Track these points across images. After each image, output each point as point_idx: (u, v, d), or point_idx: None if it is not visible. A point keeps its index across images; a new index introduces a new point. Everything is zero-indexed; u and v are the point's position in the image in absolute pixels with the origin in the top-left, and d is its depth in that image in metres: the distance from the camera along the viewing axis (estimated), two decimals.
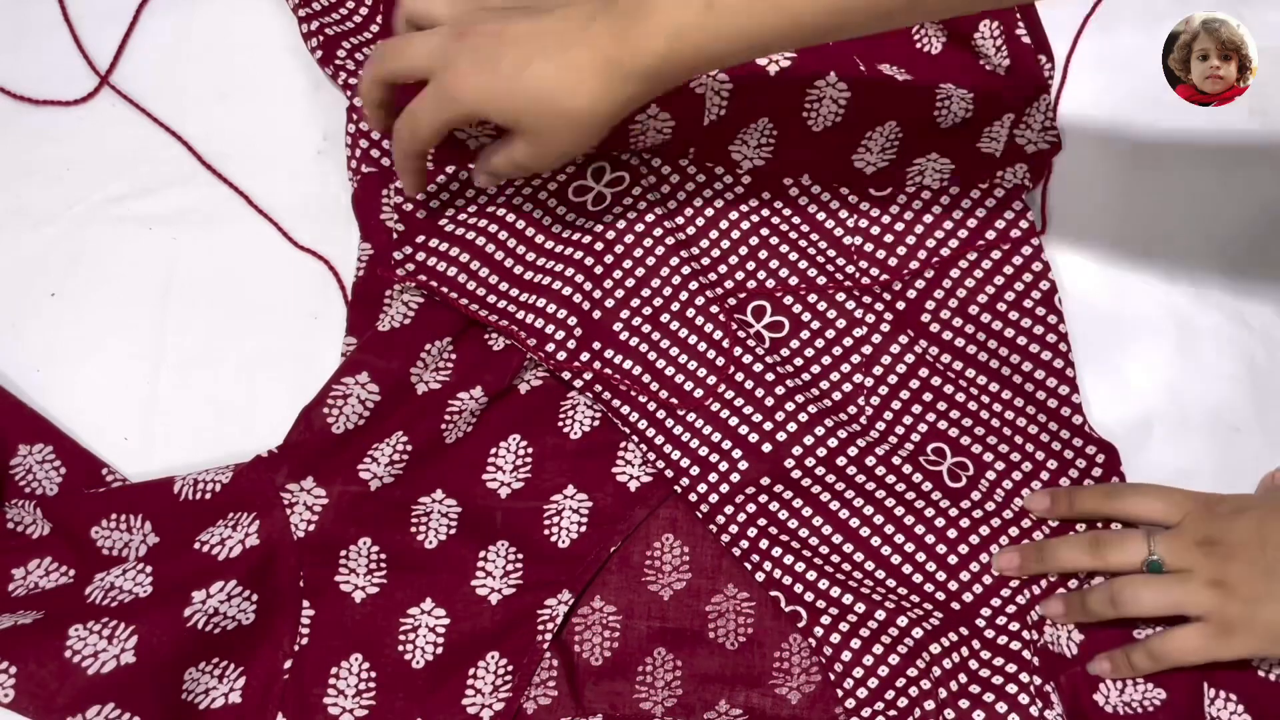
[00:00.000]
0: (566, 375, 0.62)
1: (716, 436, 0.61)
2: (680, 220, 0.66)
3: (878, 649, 0.57)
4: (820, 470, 0.60)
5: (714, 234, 0.66)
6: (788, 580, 0.59)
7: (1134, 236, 0.69)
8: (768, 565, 0.59)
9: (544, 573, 0.60)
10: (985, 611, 0.58)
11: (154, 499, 0.58)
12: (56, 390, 0.64)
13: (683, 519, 0.61)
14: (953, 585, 0.59)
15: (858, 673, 0.57)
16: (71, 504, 0.59)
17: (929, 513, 0.60)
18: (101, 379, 0.65)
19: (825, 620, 0.58)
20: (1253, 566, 0.53)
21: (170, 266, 0.68)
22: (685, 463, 0.60)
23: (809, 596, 0.59)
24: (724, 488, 0.60)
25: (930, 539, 0.60)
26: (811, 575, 0.59)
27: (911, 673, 0.56)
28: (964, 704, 0.55)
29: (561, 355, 0.62)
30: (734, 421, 0.61)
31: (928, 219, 0.67)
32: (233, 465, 0.59)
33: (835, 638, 0.57)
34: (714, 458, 0.60)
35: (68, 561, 0.58)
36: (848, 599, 0.58)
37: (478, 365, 0.63)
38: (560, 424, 0.63)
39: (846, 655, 0.57)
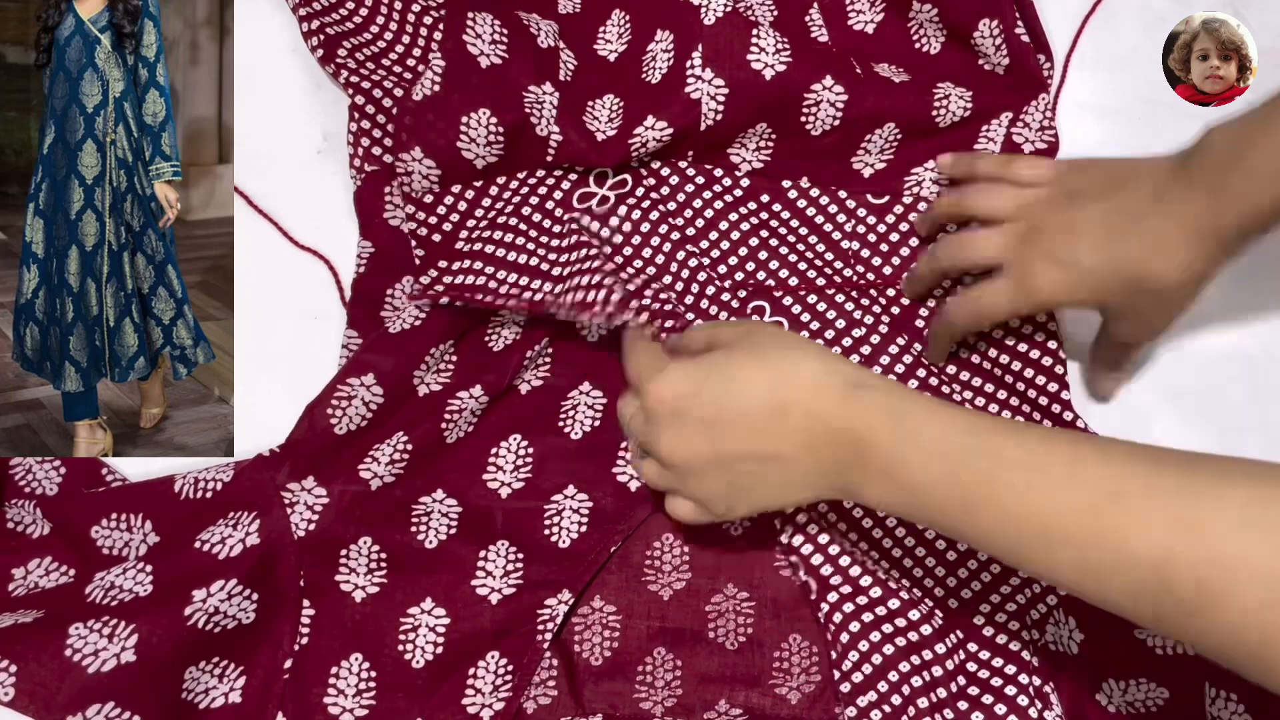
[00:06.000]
0: (623, 320, 0.58)
1: None
2: (680, 221, 0.66)
3: (875, 636, 0.57)
4: None
5: (713, 235, 0.66)
6: (808, 549, 0.59)
7: None
8: (789, 530, 0.59)
9: (544, 573, 0.60)
10: (984, 608, 0.58)
11: (154, 498, 0.58)
12: None
13: None
14: (951, 581, 0.59)
15: (853, 656, 0.57)
16: (71, 504, 0.59)
17: None
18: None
19: (833, 597, 0.58)
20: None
21: None
22: None
23: (826, 570, 0.58)
24: None
25: (930, 533, 0.60)
26: (834, 550, 0.59)
27: (912, 662, 0.56)
28: (963, 705, 0.55)
29: (610, 308, 0.58)
30: None
31: None
32: (233, 464, 0.59)
33: (838, 617, 0.57)
34: None
35: (68, 561, 0.58)
36: (865, 581, 0.58)
37: (478, 365, 0.63)
38: (560, 424, 0.63)
39: (844, 637, 0.57)
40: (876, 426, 0.48)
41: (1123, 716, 0.56)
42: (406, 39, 0.70)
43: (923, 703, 0.55)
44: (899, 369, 0.63)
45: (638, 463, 0.58)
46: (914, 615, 0.57)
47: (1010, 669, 0.56)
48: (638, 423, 0.54)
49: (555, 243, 0.65)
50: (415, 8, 0.70)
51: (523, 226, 0.65)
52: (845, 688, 0.57)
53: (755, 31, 0.66)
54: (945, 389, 0.63)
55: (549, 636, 0.58)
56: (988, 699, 0.55)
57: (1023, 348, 0.63)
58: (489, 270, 0.63)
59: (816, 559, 0.59)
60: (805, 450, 0.50)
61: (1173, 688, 0.56)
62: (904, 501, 0.48)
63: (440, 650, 0.58)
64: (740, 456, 0.51)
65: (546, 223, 0.65)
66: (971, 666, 0.57)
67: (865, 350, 0.64)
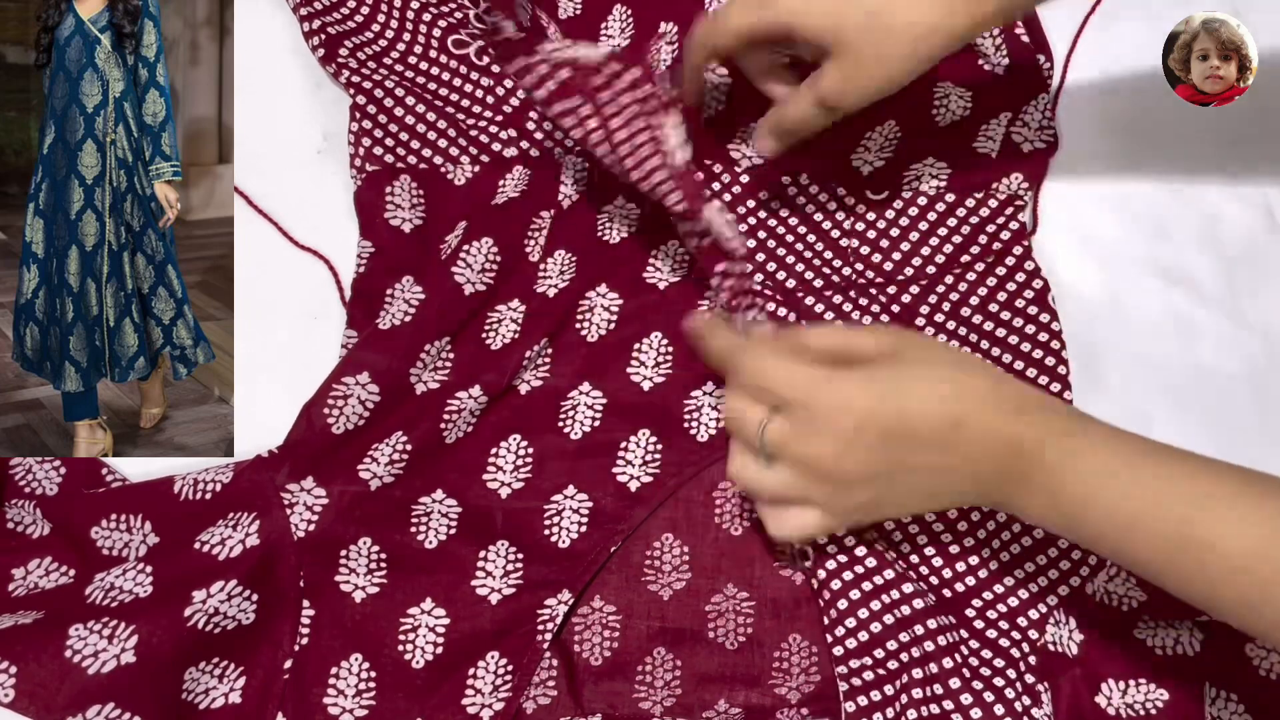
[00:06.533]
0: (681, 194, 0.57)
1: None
2: None
3: (876, 604, 0.57)
4: None
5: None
6: None
7: (1133, 236, 0.69)
8: None
9: (544, 573, 0.60)
10: (976, 603, 0.58)
11: (154, 499, 0.59)
12: None
13: (683, 519, 0.61)
14: (947, 573, 0.59)
15: (850, 622, 0.57)
16: (71, 504, 0.59)
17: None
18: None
19: (830, 565, 0.58)
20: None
21: None
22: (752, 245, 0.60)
23: (821, 538, 0.58)
24: None
25: (939, 526, 0.60)
26: None
27: (904, 637, 0.56)
28: (954, 683, 0.55)
29: (676, 160, 0.57)
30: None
31: (923, 225, 0.67)
32: (233, 464, 0.60)
33: (836, 584, 0.58)
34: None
35: (68, 561, 0.58)
36: (860, 550, 0.58)
37: (477, 365, 0.63)
38: (560, 424, 0.63)
39: (843, 604, 0.57)
40: (1047, 443, 0.48)
41: (1122, 718, 0.56)
42: (407, 37, 0.70)
43: (917, 673, 0.55)
44: None
45: (748, 472, 0.53)
46: (907, 589, 0.57)
47: (999, 662, 0.56)
48: (778, 432, 0.51)
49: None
50: (414, 6, 0.70)
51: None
52: (839, 651, 0.57)
53: None
54: None
55: (549, 636, 0.58)
56: (978, 684, 0.55)
57: (1025, 347, 0.63)
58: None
59: None
60: (969, 462, 0.50)
61: (1172, 689, 0.56)
62: (1061, 517, 0.49)
63: (440, 650, 0.58)
64: (909, 468, 0.50)
65: None
66: (964, 650, 0.57)
67: None
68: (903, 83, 0.53)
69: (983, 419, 0.49)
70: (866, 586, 0.57)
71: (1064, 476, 0.48)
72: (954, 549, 0.59)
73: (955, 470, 0.50)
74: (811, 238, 0.67)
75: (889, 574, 0.58)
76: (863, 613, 0.57)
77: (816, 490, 0.52)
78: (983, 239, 0.66)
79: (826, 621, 0.58)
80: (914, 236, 0.66)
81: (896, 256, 0.66)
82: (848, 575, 0.58)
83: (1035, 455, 0.49)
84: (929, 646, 0.56)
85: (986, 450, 0.49)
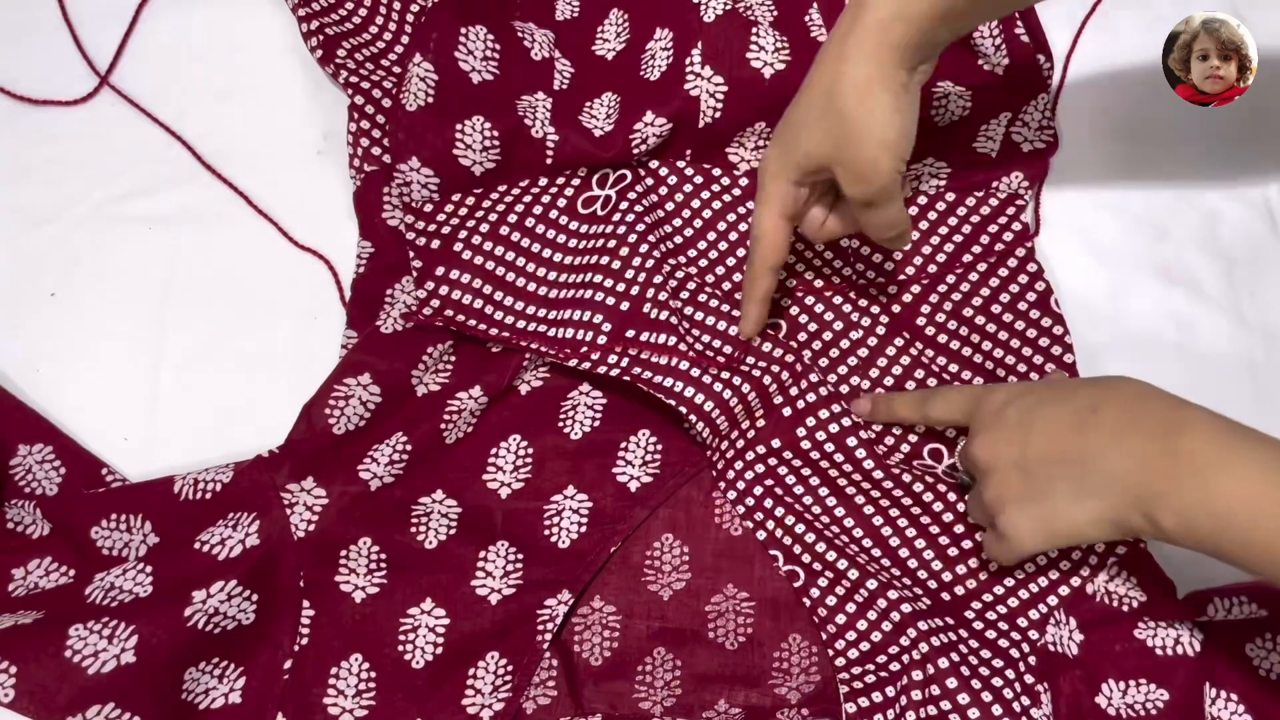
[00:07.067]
0: (602, 370, 0.61)
1: (746, 387, 0.61)
2: (678, 222, 0.66)
3: (872, 614, 0.57)
4: (829, 446, 0.60)
5: (711, 235, 0.66)
6: (788, 540, 0.60)
7: (1134, 236, 0.69)
8: (770, 524, 0.60)
9: (544, 573, 0.60)
10: (975, 605, 0.58)
11: (154, 499, 0.59)
12: (56, 390, 0.65)
13: (683, 519, 0.61)
14: (946, 576, 0.59)
15: (850, 635, 0.57)
16: (71, 504, 0.59)
17: (937, 506, 0.60)
18: (101, 379, 0.65)
19: (821, 583, 0.58)
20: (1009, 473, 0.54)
21: (170, 266, 0.68)
22: (716, 414, 0.60)
23: (806, 558, 0.59)
24: (740, 443, 0.60)
25: (935, 529, 0.60)
26: (810, 538, 0.59)
27: (904, 641, 0.56)
28: (952, 683, 0.55)
29: (595, 355, 0.61)
30: (766, 381, 0.61)
31: (924, 225, 0.67)
32: (233, 465, 0.59)
33: (831, 600, 0.58)
34: (738, 408, 0.60)
35: (68, 561, 0.58)
36: (842, 564, 0.59)
37: (477, 366, 0.63)
38: (560, 424, 0.63)
39: (841, 618, 0.58)
40: (1204, 431, 0.48)
41: (1122, 718, 0.56)
42: (406, 39, 0.70)
43: (917, 675, 0.55)
44: (897, 370, 0.63)
45: (972, 509, 0.58)
46: (892, 595, 0.57)
47: (998, 662, 0.56)
48: (965, 451, 0.56)
49: (558, 257, 0.65)
50: (414, 8, 0.70)
51: (524, 241, 0.65)
52: (840, 662, 0.57)
53: (755, 30, 0.66)
54: None
55: (549, 636, 0.58)
56: (976, 684, 0.55)
57: (1027, 351, 0.63)
58: (486, 290, 0.63)
59: (797, 549, 0.59)
60: (1111, 445, 0.49)
61: (1173, 689, 0.56)
62: (1211, 517, 0.46)
63: (440, 650, 0.58)
64: (1043, 459, 0.51)
65: (550, 232, 0.65)
66: (963, 649, 0.57)
67: (863, 352, 0.64)
68: (904, 129, 0.53)
69: (1124, 403, 0.50)
70: (859, 598, 0.58)
71: (1226, 466, 0.46)
72: (953, 551, 0.59)
73: (1096, 460, 0.50)
74: None
75: (871, 585, 0.58)
76: (861, 624, 0.57)
77: (981, 489, 0.54)
78: (984, 239, 0.66)
79: (825, 637, 0.58)
80: (914, 235, 0.66)
81: (897, 256, 0.66)
82: (840, 590, 0.58)
83: (1191, 444, 0.47)
84: (925, 648, 0.56)
85: (1129, 429, 0.49)
